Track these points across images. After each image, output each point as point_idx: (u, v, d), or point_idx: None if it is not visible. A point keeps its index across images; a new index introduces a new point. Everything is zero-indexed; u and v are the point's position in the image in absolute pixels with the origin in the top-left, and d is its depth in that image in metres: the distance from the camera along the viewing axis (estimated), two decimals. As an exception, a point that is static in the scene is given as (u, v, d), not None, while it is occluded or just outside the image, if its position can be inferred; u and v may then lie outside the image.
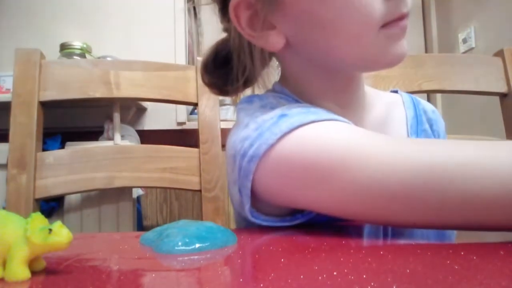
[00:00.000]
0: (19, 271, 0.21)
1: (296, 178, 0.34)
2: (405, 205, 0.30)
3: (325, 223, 0.39)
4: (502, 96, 0.83)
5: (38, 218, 0.22)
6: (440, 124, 0.51)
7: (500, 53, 0.84)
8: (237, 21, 0.40)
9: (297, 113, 0.36)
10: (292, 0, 0.38)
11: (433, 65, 0.82)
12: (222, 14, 0.45)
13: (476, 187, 0.27)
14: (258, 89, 0.49)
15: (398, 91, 0.53)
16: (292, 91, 0.44)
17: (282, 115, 0.36)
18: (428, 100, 2.33)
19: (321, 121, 0.36)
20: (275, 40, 0.40)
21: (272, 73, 0.49)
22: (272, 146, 0.35)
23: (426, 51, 2.50)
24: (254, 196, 0.38)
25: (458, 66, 0.83)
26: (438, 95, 2.21)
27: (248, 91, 0.49)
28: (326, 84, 0.43)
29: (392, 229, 0.35)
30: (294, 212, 0.39)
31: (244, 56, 0.43)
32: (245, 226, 0.42)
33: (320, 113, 0.37)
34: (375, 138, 0.34)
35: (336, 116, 0.37)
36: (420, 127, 0.49)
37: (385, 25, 0.36)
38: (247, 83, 0.47)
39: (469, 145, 0.30)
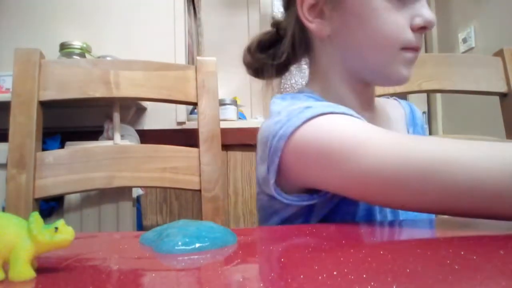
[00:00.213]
0: (25, 270, 0.21)
1: (313, 159, 0.41)
2: (397, 188, 0.36)
3: (330, 216, 0.46)
4: (502, 96, 0.83)
5: (38, 218, 0.22)
6: (421, 121, 0.64)
7: (500, 53, 0.84)
8: (301, 5, 0.51)
9: (320, 105, 0.44)
10: (351, 7, 0.48)
11: (433, 65, 0.82)
12: (286, 3, 0.56)
13: (455, 179, 0.33)
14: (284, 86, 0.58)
15: (396, 99, 0.66)
16: (318, 91, 0.53)
17: (308, 107, 0.44)
18: (428, 100, 2.33)
19: (338, 113, 0.43)
20: (322, 28, 0.50)
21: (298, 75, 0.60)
22: (297, 127, 0.42)
23: (426, 51, 2.50)
24: (279, 175, 0.44)
25: (458, 66, 0.83)
26: (438, 95, 2.21)
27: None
28: (348, 84, 0.52)
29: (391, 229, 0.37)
30: (311, 192, 0.45)
31: (287, 43, 0.54)
32: (264, 207, 0.49)
33: (340, 108, 0.44)
34: (379, 132, 0.40)
35: (351, 112, 0.44)
36: (414, 121, 0.63)
37: (405, 49, 0.47)
38: (280, 71, 0.58)
39: (455, 143, 0.36)
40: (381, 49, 0.48)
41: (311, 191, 0.45)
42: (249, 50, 0.58)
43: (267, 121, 0.47)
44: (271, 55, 0.56)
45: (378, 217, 0.48)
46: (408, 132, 0.60)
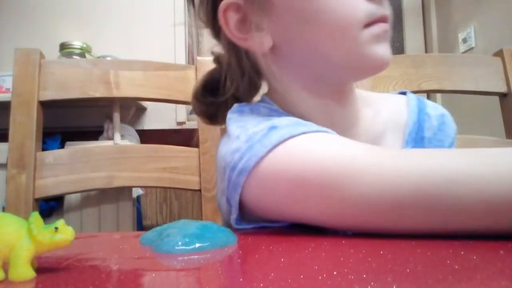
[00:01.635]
0: (25, 270, 0.21)
1: (285, 193, 0.34)
2: (395, 219, 0.30)
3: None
4: (502, 96, 0.83)
5: (38, 218, 0.22)
6: (449, 129, 0.49)
7: (499, 53, 0.84)
8: (226, 25, 0.42)
9: (287, 125, 0.37)
10: (280, 0, 0.39)
11: (433, 65, 0.82)
12: (215, 32, 0.46)
13: (467, 198, 0.28)
14: None
15: (407, 93, 0.51)
16: (281, 105, 0.44)
17: (273, 127, 0.36)
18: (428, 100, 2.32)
19: (311, 133, 0.36)
20: (261, 41, 0.41)
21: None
22: (262, 158, 0.35)
23: (426, 51, 2.50)
24: (242, 206, 0.38)
25: (458, 66, 0.83)
26: (438, 95, 2.20)
27: None
28: (315, 98, 0.43)
29: None
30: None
31: (232, 75, 0.45)
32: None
33: (310, 125, 0.37)
34: (365, 150, 0.34)
35: (325, 128, 0.37)
36: (420, 134, 0.47)
37: (369, 25, 0.38)
38: None
39: (461, 156, 0.30)
40: (339, 37, 0.38)
41: None
42: (195, 97, 0.50)
43: (225, 144, 0.40)
44: (222, 96, 0.47)
45: None
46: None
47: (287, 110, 0.44)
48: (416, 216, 0.29)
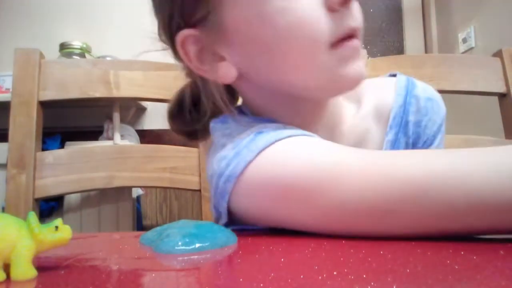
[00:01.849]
0: (27, 270, 0.21)
1: (272, 198, 0.34)
2: (382, 219, 0.30)
3: None
4: (501, 96, 0.83)
5: (36, 217, 0.22)
6: (436, 115, 0.46)
7: (499, 54, 0.84)
8: (187, 57, 0.40)
9: (273, 129, 0.36)
10: (235, 27, 0.36)
11: (432, 65, 0.82)
12: (176, 56, 0.43)
13: (450, 198, 0.28)
14: None
15: (397, 74, 0.48)
16: (261, 115, 0.43)
17: (259, 133, 0.36)
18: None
19: (297, 136, 0.35)
20: (226, 72, 0.39)
21: None
22: (249, 163, 0.34)
23: (426, 51, 2.50)
24: (230, 214, 0.37)
25: (457, 66, 0.83)
26: (438, 95, 2.21)
27: None
28: (292, 111, 0.42)
29: None
30: None
31: (208, 94, 0.42)
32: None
33: (295, 130, 0.37)
34: (351, 153, 0.33)
35: (310, 133, 0.37)
36: (405, 118, 0.45)
37: (335, 44, 0.35)
38: None
39: (443, 155, 0.30)
40: (305, 65, 0.36)
41: None
42: (171, 116, 0.48)
43: (212, 154, 0.39)
44: (199, 111, 0.45)
45: None
46: (386, 136, 0.45)
47: (268, 118, 0.42)
48: (402, 217, 0.29)
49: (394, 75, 0.49)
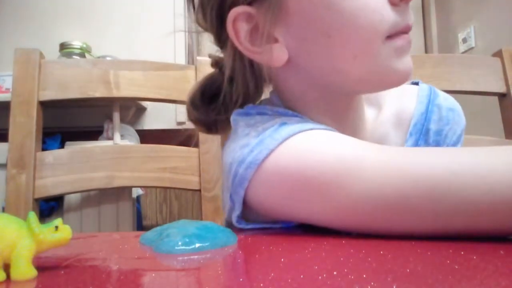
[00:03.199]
0: (28, 269, 0.21)
1: (290, 190, 0.34)
2: (401, 216, 0.30)
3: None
4: (501, 96, 0.83)
5: (36, 217, 0.23)
6: (456, 125, 0.47)
7: (498, 54, 0.84)
8: (236, 36, 0.38)
9: (297, 121, 0.37)
10: (297, 8, 0.36)
11: (432, 65, 0.82)
12: (218, 38, 0.42)
13: (471, 195, 0.27)
14: None
15: (420, 83, 0.49)
16: (289, 107, 0.43)
17: (283, 124, 0.36)
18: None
19: (320, 130, 0.36)
20: (277, 54, 0.38)
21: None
22: (272, 151, 0.34)
23: (426, 51, 2.50)
24: (245, 206, 0.37)
25: (457, 66, 0.83)
26: (438, 95, 2.21)
27: None
28: (324, 106, 0.42)
29: None
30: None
31: (238, 84, 0.42)
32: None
33: (319, 125, 0.37)
34: (373, 148, 0.34)
35: (332, 128, 0.37)
36: (426, 126, 0.45)
37: (391, 37, 0.36)
38: None
39: (464, 153, 0.30)
40: (361, 54, 0.36)
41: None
42: (192, 104, 0.46)
43: (233, 141, 0.39)
44: (223, 101, 0.45)
45: None
46: (406, 143, 0.45)
47: (294, 111, 0.42)
48: (422, 213, 0.29)
49: (416, 83, 0.49)
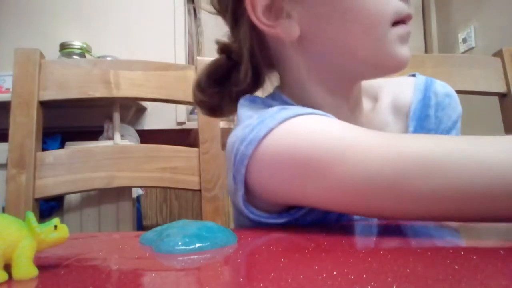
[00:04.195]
0: (30, 269, 0.21)
1: (287, 168, 0.35)
2: (399, 197, 0.30)
3: (319, 223, 0.40)
4: (501, 96, 0.83)
5: (34, 217, 0.23)
6: (452, 111, 0.49)
7: (499, 53, 0.84)
8: (253, 10, 0.40)
9: (297, 108, 0.39)
10: None
11: (432, 65, 0.82)
12: (234, 14, 0.44)
13: (469, 177, 0.28)
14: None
15: (416, 75, 0.51)
16: (291, 97, 0.45)
17: (284, 108, 0.38)
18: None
19: (317, 114, 0.37)
20: (291, 29, 0.41)
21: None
22: (271, 130, 0.35)
23: (426, 51, 2.50)
24: (248, 190, 0.38)
25: (457, 66, 0.83)
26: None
27: None
28: (326, 91, 0.44)
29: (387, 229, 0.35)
30: (281, 211, 0.39)
31: (245, 64, 0.44)
32: (242, 222, 0.42)
33: (320, 112, 0.38)
34: (368, 132, 0.35)
35: (331, 115, 0.38)
36: (424, 112, 0.47)
37: (394, 24, 0.39)
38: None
39: (463, 138, 0.32)
40: (368, 32, 0.39)
41: (281, 210, 0.39)
42: (198, 87, 0.49)
43: (236, 128, 0.40)
44: (228, 86, 0.47)
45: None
46: (408, 130, 0.47)
47: (298, 101, 0.44)
48: (420, 194, 0.29)
49: (414, 76, 0.51)
